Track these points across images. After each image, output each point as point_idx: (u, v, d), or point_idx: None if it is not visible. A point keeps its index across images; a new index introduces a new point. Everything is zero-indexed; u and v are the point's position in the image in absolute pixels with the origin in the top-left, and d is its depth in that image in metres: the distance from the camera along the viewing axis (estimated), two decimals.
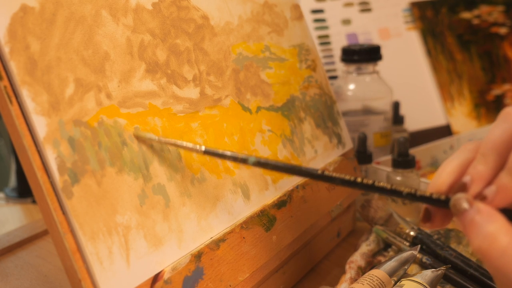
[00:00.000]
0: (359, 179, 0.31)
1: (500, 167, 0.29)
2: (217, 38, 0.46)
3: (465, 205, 0.27)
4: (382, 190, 0.30)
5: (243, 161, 0.36)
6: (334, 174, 0.32)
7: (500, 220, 0.26)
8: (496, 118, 0.30)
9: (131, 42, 0.38)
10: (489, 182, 0.29)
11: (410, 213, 0.61)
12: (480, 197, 0.28)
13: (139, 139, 0.37)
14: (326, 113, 0.57)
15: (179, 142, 0.38)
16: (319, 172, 0.33)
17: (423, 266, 0.48)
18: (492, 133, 0.29)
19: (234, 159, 0.36)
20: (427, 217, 0.31)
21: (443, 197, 0.29)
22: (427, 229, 0.31)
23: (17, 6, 0.32)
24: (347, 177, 0.31)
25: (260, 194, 0.45)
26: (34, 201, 0.76)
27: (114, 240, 0.33)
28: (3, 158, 1.02)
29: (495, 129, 0.29)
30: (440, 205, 0.29)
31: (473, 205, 0.27)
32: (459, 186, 0.29)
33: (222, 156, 0.37)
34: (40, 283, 0.51)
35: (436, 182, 0.30)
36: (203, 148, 0.37)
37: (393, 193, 0.30)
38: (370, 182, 0.31)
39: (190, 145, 0.37)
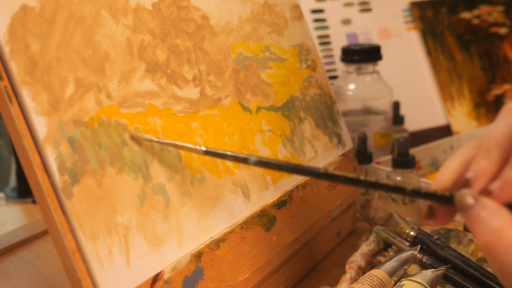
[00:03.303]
0: (362, 177, 0.31)
1: (503, 162, 0.28)
2: (217, 38, 0.46)
3: (470, 200, 0.27)
4: (386, 188, 0.30)
5: (244, 160, 0.35)
6: (337, 173, 0.32)
7: (506, 215, 0.26)
8: (499, 114, 0.30)
9: (131, 42, 0.38)
10: (493, 178, 0.28)
11: (410, 213, 0.61)
12: (485, 192, 0.28)
13: (138, 139, 0.37)
14: (326, 113, 0.57)
15: (179, 143, 0.38)
16: (322, 170, 0.32)
17: (423, 266, 0.48)
18: (494, 129, 0.29)
19: (235, 159, 0.36)
20: (430, 214, 0.30)
21: (447, 194, 0.28)
22: (431, 225, 0.31)
23: (17, 6, 0.32)
24: (350, 176, 0.31)
25: (260, 194, 0.45)
26: (34, 201, 0.76)
27: (114, 240, 0.33)
28: (3, 158, 1.02)
29: (498, 125, 0.29)
30: (444, 201, 0.29)
31: (478, 201, 0.27)
32: (463, 182, 0.29)
33: (223, 156, 0.37)
34: (40, 283, 0.51)
35: (439, 179, 0.30)
36: (203, 148, 0.37)
37: (397, 190, 0.30)
38: (374, 180, 0.30)
39: (190, 145, 0.37)
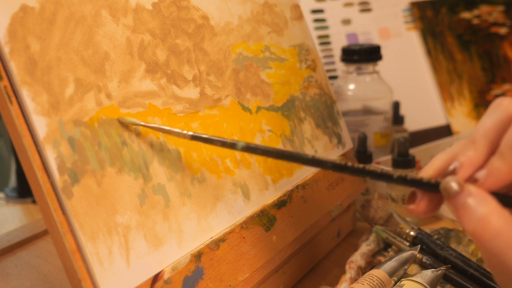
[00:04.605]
0: (349, 163, 0.31)
1: (490, 153, 0.29)
2: (217, 38, 0.46)
3: (455, 186, 0.27)
4: (372, 174, 0.30)
5: (232, 145, 0.35)
6: (324, 158, 0.32)
7: (492, 202, 0.27)
8: (488, 108, 0.30)
9: (131, 42, 0.38)
10: (480, 168, 0.29)
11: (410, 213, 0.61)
12: (471, 180, 0.28)
13: (124, 124, 0.36)
14: (326, 113, 0.57)
15: (166, 127, 0.37)
16: (309, 156, 0.32)
17: (423, 266, 0.48)
18: (483, 121, 0.30)
19: (223, 144, 0.36)
20: (411, 199, 0.31)
21: (433, 181, 0.29)
22: (413, 214, 0.31)
23: (17, 6, 0.32)
24: (337, 162, 0.31)
25: (260, 194, 0.45)
26: (34, 201, 0.76)
27: (114, 240, 0.33)
28: (3, 158, 1.02)
29: (485, 118, 0.30)
30: (430, 188, 0.29)
31: (464, 188, 0.27)
32: (449, 171, 0.29)
33: (210, 141, 0.36)
34: (40, 283, 0.51)
35: (427, 169, 0.30)
36: (190, 133, 0.36)
37: (383, 177, 0.30)
38: (361, 166, 0.31)
39: (177, 130, 0.37)
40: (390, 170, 0.30)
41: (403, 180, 0.30)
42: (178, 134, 0.37)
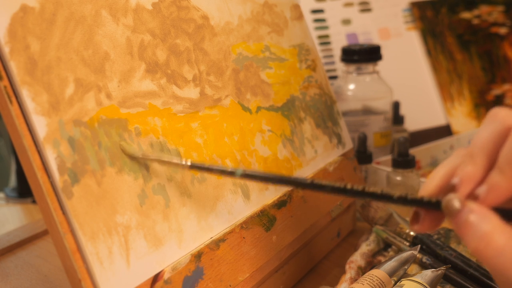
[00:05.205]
0: (349, 186, 0.31)
1: (489, 167, 0.28)
2: (217, 38, 0.46)
3: (456, 204, 0.27)
4: (372, 196, 0.30)
5: (231, 174, 0.35)
6: (324, 182, 0.32)
7: (494, 219, 0.26)
8: (484, 119, 0.30)
9: (131, 42, 0.38)
10: (480, 183, 0.28)
11: (411, 213, 0.60)
12: (472, 197, 0.28)
13: (124, 152, 0.36)
14: (326, 113, 0.57)
15: (165, 158, 0.37)
16: (308, 181, 0.32)
17: (423, 266, 0.48)
18: (479, 134, 0.29)
19: (222, 172, 0.36)
20: (415, 220, 0.30)
21: (434, 199, 0.29)
22: (415, 232, 0.31)
23: (17, 6, 0.32)
24: (337, 185, 0.31)
25: (260, 194, 0.45)
26: (34, 201, 0.76)
27: (114, 240, 0.33)
28: (3, 158, 1.02)
29: (482, 130, 0.29)
30: (431, 207, 0.29)
31: (465, 205, 0.27)
32: (449, 188, 0.29)
33: (209, 170, 0.37)
34: (40, 283, 0.51)
35: (427, 187, 0.30)
36: (188, 163, 0.36)
37: (383, 197, 0.30)
38: (360, 188, 0.30)
39: (175, 161, 0.36)
40: (390, 190, 0.30)
41: (403, 200, 0.29)
42: (177, 165, 0.37)
